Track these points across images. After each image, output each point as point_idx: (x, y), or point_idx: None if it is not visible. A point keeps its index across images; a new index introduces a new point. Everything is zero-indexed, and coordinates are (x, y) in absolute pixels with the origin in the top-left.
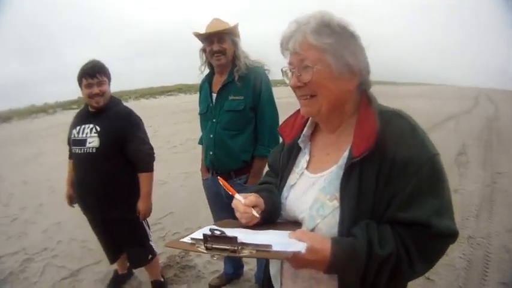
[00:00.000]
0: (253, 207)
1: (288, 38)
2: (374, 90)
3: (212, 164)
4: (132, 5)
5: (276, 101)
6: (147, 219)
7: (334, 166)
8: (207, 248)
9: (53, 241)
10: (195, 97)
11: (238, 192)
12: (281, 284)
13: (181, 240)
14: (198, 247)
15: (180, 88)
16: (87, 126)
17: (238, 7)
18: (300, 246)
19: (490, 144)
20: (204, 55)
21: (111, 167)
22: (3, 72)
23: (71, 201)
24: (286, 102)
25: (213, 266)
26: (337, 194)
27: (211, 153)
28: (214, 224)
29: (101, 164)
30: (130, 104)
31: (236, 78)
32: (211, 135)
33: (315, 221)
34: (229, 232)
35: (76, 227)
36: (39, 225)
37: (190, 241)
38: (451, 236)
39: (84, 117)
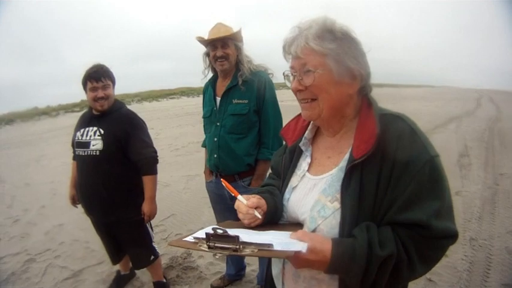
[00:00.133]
0: (255, 208)
1: (290, 43)
2: (376, 93)
3: (216, 167)
4: (134, 8)
5: (279, 104)
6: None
7: (335, 168)
8: (209, 247)
9: (55, 242)
10: (198, 100)
11: (242, 194)
12: (283, 285)
13: (184, 239)
14: (200, 246)
15: (183, 91)
16: (91, 128)
17: (243, 10)
18: (301, 246)
19: (492, 145)
20: (207, 59)
21: (114, 169)
22: (5, 75)
23: (74, 202)
24: (289, 106)
25: (215, 267)
26: (338, 196)
27: (215, 156)
28: (216, 225)
29: (104, 166)
30: (133, 107)
31: (240, 83)
32: (215, 139)
33: (316, 222)
34: (232, 232)
35: (78, 229)
36: (41, 227)
37: (193, 240)
38: (451, 237)
39: (88, 119)
